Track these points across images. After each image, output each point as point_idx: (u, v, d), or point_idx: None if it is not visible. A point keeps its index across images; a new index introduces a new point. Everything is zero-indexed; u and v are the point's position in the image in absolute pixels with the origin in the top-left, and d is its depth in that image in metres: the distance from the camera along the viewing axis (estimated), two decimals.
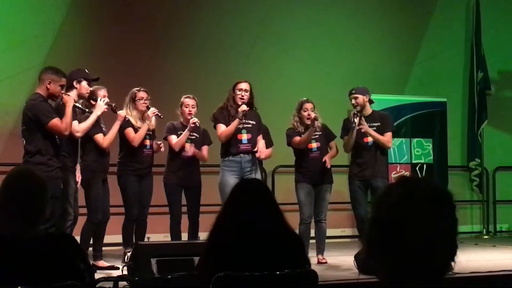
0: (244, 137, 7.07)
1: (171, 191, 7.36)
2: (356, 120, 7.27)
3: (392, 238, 1.56)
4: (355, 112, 7.35)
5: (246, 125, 7.08)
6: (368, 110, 7.51)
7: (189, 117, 7.36)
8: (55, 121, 6.02)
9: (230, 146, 7.05)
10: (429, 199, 1.57)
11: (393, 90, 10.29)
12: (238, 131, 7.04)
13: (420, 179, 1.66)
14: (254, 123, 7.14)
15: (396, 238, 1.55)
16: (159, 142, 7.40)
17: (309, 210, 7.40)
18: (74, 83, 6.63)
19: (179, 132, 7.38)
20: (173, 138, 7.35)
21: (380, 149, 7.44)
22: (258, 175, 7.11)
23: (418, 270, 1.55)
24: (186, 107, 7.42)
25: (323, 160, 7.38)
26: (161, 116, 7.28)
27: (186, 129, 7.30)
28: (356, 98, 7.44)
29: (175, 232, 7.32)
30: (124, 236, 7.21)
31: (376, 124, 7.44)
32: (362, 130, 7.30)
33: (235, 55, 9.88)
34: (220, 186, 7.00)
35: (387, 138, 7.44)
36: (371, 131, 7.34)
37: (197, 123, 7.31)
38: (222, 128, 7.06)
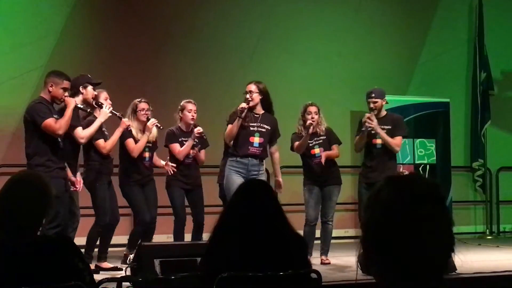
0: (256, 140, 6.91)
1: (175, 195, 7.33)
2: (370, 122, 7.11)
3: (387, 238, 1.56)
4: (369, 117, 7.17)
5: (260, 129, 6.94)
6: (383, 112, 7.37)
7: (191, 123, 7.34)
8: (49, 121, 6.00)
9: (240, 147, 6.88)
10: (418, 195, 1.57)
11: (396, 90, 10.26)
12: (251, 133, 6.88)
13: (406, 176, 1.67)
14: (269, 128, 6.97)
15: (390, 238, 1.55)
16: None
17: (315, 212, 7.38)
18: (80, 89, 6.63)
19: (180, 139, 7.35)
20: (176, 147, 7.32)
21: (389, 153, 7.28)
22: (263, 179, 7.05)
23: (416, 269, 1.55)
24: (189, 112, 7.34)
25: (321, 155, 7.32)
26: (161, 127, 7.23)
27: (190, 139, 7.25)
28: (375, 102, 7.26)
29: (179, 234, 7.30)
30: (131, 240, 7.17)
31: (388, 127, 7.28)
32: (372, 128, 7.15)
33: (238, 55, 9.88)
34: (226, 186, 6.82)
35: (395, 141, 7.25)
36: (380, 131, 7.19)
37: (202, 134, 7.29)
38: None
